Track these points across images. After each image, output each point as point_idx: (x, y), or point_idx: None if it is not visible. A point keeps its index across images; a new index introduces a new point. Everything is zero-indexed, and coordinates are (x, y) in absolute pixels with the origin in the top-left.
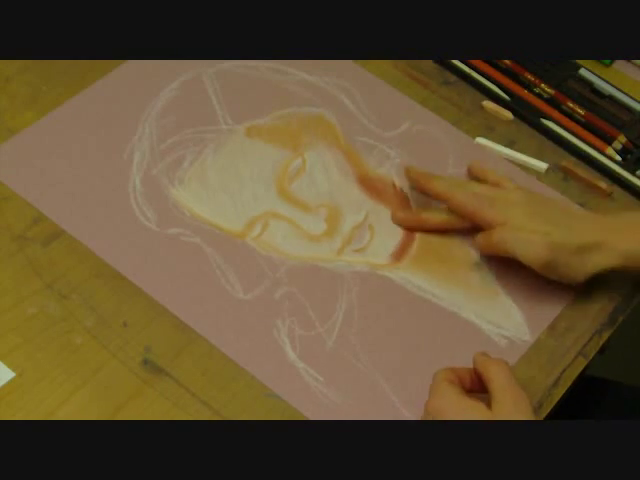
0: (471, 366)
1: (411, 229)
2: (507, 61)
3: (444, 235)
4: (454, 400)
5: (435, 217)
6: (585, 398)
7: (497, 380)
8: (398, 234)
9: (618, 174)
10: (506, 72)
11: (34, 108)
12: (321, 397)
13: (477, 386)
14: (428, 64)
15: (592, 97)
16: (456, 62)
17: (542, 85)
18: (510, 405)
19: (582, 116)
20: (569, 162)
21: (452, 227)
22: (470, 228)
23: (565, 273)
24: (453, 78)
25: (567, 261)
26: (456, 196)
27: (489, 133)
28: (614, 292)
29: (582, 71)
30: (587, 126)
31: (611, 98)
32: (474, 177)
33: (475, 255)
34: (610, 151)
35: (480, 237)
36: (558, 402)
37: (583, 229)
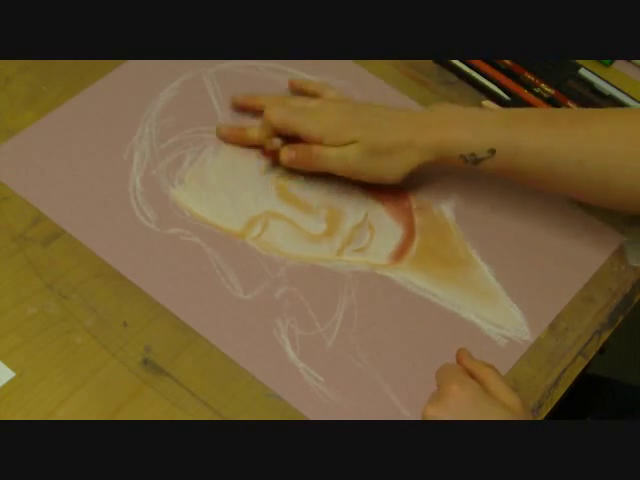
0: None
1: (233, 142)
2: (507, 61)
3: (444, 235)
4: (480, 394)
5: (255, 132)
6: (585, 397)
7: (496, 384)
8: (398, 234)
9: None
10: (506, 72)
11: (34, 108)
12: (321, 397)
13: None
14: (428, 64)
15: (592, 97)
16: (456, 62)
17: (542, 85)
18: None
19: None
20: None
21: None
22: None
23: (376, 175)
24: (453, 78)
25: (376, 163)
26: (275, 112)
27: None
28: (614, 292)
29: (582, 71)
30: None
31: (611, 98)
32: (296, 92)
33: (475, 255)
34: None
35: (295, 151)
36: (558, 402)
37: (393, 129)
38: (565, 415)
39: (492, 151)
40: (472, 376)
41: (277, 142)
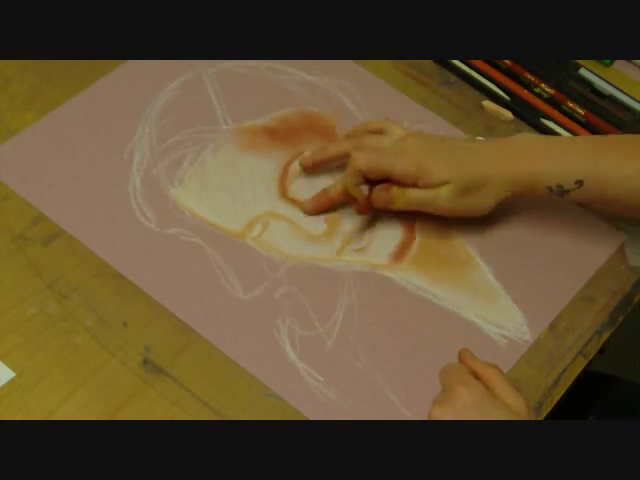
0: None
1: (327, 209)
2: (507, 61)
3: (444, 235)
4: (487, 397)
5: (338, 187)
6: (587, 395)
7: (501, 386)
8: (398, 234)
9: None
10: (506, 72)
11: (34, 108)
12: (321, 397)
13: None
14: (428, 64)
15: (592, 97)
16: (456, 62)
17: (542, 85)
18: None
19: (582, 116)
20: None
21: (356, 193)
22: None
23: (466, 211)
24: (453, 78)
25: (467, 200)
26: (363, 157)
27: (489, 133)
28: (614, 292)
29: (582, 71)
30: (587, 126)
31: (611, 98)
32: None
33: (475, 255)
34: None
35: (389, 193)
36: (558, 402)
37: (482, 163)
38: (567, 413)
39: (579, 182)
40: (477, 377)
41: (365, 191)
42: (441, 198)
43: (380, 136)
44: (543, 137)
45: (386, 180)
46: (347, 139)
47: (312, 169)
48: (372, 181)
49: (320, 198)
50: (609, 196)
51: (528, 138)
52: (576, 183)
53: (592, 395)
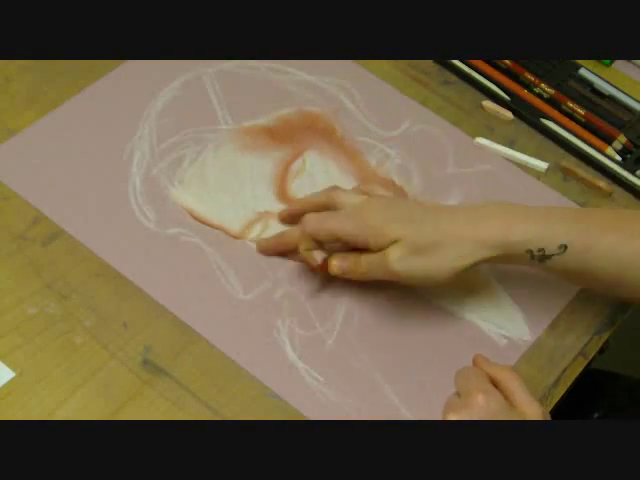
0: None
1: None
2: (507, 61)
3: None
4: (506, 408)
5: (294, 234)
6: (591, 392)
7: (519, 392)
8: None
9: (618, 174)
10: (506, 72)
11: (34, 108)
12: (321, 397)
13: None
14: (428, 64)
15: (592, 97)
16: (456, 62)
17: (542, 85)
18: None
19: (582, 116)
20: (569, 162)
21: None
22: None
23: (424, 275)
24: (453, 78)
25: (422, 263)
26: (308, 220)
27: (489, 133)
28: None
29: (582, 71)
30: (587, 126)
31: (611, 98)
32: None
33: None
34: (610, 151)
35: (346, 261)
36: (558, 402)
37: (439, 222)
38: (569, 412)
39: (563, 247)
40: (494, 382)
41: (319, 256)
42: (390, 259)
43: (354, 194)
44: (519, 204)
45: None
46: (323, 192)
47: (288, 220)
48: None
49: (277, 240)
50: (592, 266)
51: (502, 203)
52: (559, 247)
53: (595, 393)
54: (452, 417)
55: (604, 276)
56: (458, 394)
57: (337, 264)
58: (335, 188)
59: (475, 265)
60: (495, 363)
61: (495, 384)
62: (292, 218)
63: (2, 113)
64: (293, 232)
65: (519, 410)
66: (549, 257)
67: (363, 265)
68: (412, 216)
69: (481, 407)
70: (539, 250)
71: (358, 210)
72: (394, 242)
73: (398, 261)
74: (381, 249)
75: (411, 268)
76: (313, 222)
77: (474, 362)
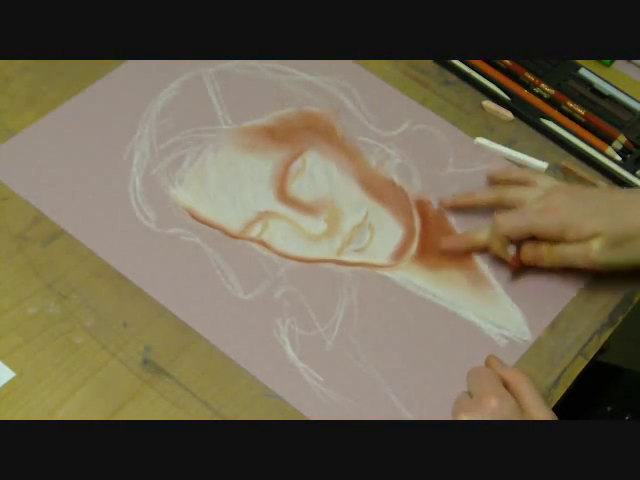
0: (471, 366)
1: (462, 251)
2: (507, 61)
3: (444, 235)
4: (517, 414)
5: (483, 236)
6: (600, 384)
7: (530, 395)
8: (398, 234)
9: (618, 174)
10: (506, 72)
11: (34, 108)
12: (321, 397)
13: None
14: (428, 64)
15: (592, 97)
16: (456, 62)
17: (542, 85)
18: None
19: (582, 116)
20: (569, 162)
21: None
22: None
23: (626, 263)
24: (453, 78)
25: (623, 252)
26: (505, 222)
27: (489, 133)
28: (614, 292)
29: (582, 71)
30: (587, 126)
31: (611, 98)
32: (496, 181)
33: (475, 255)
34: (610, 151)
35: (538, 251)
36: (564, 398)
37: (635, 214)
38: (570, 411)
39: None
40: (505, 383)
41: (512, 250)
42: (593, 251)
43: (524, 189)
44: None
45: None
46: (492, 188)
47: (451, 209)
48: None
49: (464, 238)
50: None
51: None
52: None
53: (606, 386)
54: (463, 417)
55: None
56: (470, 394)
57: (531, 252)
58: (502, 184)
59: None
60: (508, 366)
61: (506, 385)
62: (454, 209)
63: (2, 113)
64: (481, 234)
65: (528, 413)
66: None
67: (558, 254)
68: (603, 208)
69: (494, 410)
70: None
71: (548, 206)
72: (594, 236)
73: (601, 253)
74: (578, 241)
75: (613, 259)
76: (507, 223)
77: (487, 363)
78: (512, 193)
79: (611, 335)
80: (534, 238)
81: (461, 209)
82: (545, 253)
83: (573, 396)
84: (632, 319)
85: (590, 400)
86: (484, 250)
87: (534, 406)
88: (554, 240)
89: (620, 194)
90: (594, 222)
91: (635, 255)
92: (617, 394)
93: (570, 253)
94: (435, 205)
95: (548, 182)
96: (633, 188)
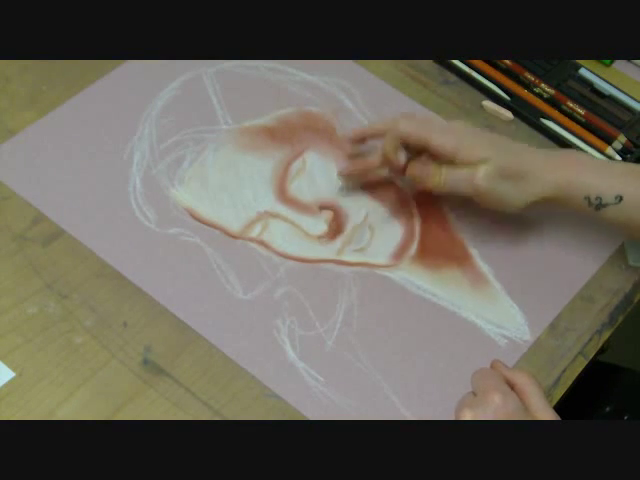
0: (471, 366)
1: (360, 174)
2: (507, 61)
3: (444, 235)
4: (520, 411)
5: (375, 156)
6: (598, 384)
7: (535, 397)
8: (398, 234)
9: None
10: (506, 72)
11: (34, 108)
12: (321, 397)
13: None
14: (428, 64)
15: (592, 97)
16: (456, 62)
17: (542, 85)
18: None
19: (582, 116)
20: None
21: (393, 163)
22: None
23: (499, 199)
24: (453, 78)
25: (503, 187)
26: (405, 123)
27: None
28: (614, 292)
29: (582, 71)
30: (587, 126)
31: (611, 98)
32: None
33: (475, 255)
34: (610, 151)
35: (426, 167)
36: (565, 397)
37: (525, 155)
38: (581, 405)
39: (619, 198)
40: (510, 385)
41: (402, 156)
42: (478, 177)
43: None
44: (589, 154)
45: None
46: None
47: (360, 142)
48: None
49: (356, 163)
50: None
51: (575, 152)
52: (616, 198)
53: (604, 386)
54: (467, 414)
55: None
56: (474, 392)
57: (418, 167)
58: (398, 118)
59: (541, 201)
60: (513, 368)
61: (511, 387)
62: (357, 142)
63: (2, 113)
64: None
65: (532, 414)
66: (605, 206)
67: (443, 174)
68: (500, 142)
69: (497, 406)
70: (596, 198)
71: (449, 127)
72: (483, 161)
73: (485, 178)
74: (466, 165)
75: (494, 188)
76: (408, 125)
77: (492, 366)
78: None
79: (611, 335)
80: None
81: (369, 138)
82: (432, 170)
83: (573, 396)
84: (632, 319)
85: (589, 400)
86: (376, 168)
87: (539, 408)
88: (444, 161)
89: (519, 142)
90: (487, 149)
91: (515, 194)
92: (616, 394)
93: (456, 176)
94: (435, 205)
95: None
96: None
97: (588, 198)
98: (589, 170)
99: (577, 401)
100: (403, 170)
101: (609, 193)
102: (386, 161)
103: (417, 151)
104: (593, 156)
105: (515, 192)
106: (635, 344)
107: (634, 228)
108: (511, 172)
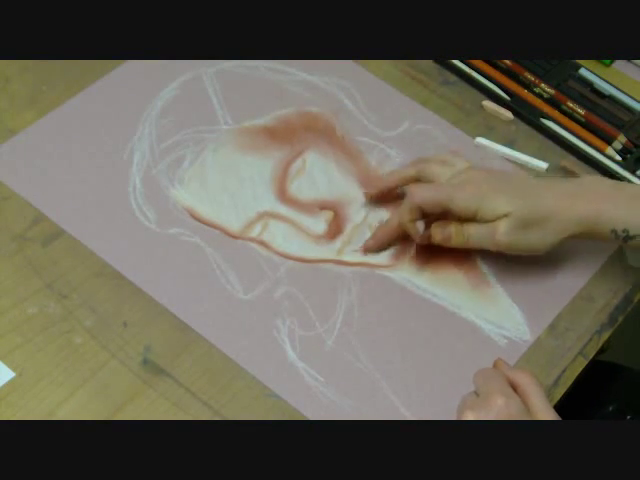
0: (471, 366)
1: (388, 242)
2: (507, 61)
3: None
4: (523, 414)
5: (395, 220)
6: (596, 384)
7: (537, 398)
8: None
9: (618, 174)
10: (506, 72)
11: (34, 108)
12: (321, 397)
13: None
14: (428, 64)
15: (592, 97)
16: (456, 62)
17: (542, 85)
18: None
19: (582, 116)
20: (569, 162)
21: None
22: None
23: (526, 247)
24: (453, 78)
25: (527, 235)
26: (420, 191)
27: (489, 133)
28: (614, 292)
29: (582, 71)
30: (587, 126)
31: (611, 98)
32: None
33: (475, 255)
34: (610, 151)
35: (449, 231)
36: (558, 402)
37: (546, 198)
38: (583, 404)
39: None
40: (512, 385)
41: (421, 226)
42: (499, 232)
43: (442, 167)
44: (611, 181)
45: (444, 217)
46: (412, 165)
47: (377, 198)
48: (430, 217)
49: (379, 233)
50: None
51: (596, 180)
52: None
53: (607, 385)
54: (469, 416)
55: None
56: (476, 393)
57: (440, 231)
58: (422, 161)
59: (568, 238)
60: (515, 367)
61: (513, 387)
62: (381, 197)
63: (2, 113)
64: (393, 220)
65: (534, 415)
66: (633, 238)
67: (465, 234)
68: (518, 190)
69: (500, 409)
70: (623, 230)
71: (465, 182)
72: (504, 216)
73: (507, 234)
74: (487, 221)
75: (518, 241)
76: (422, 193)
77: (495, 366)
78: (432, 168)
79: (611, 335)
80: (442, 217)
81: (386, 195)
82: (453, 232)
83: (574, 396)
84: (632, 319)
85: (591, 400)
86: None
87: (542, 409)
88: (465, 218)
89: (536, 179)
90: (506, 204)
91: (539, 239)
92: (618, 394)
93: (478, 232)
94: None
95: (463, 162)
96: (554, 178)
97: (615, 231)
98: (612, 203)
99: (578, 401)
100: (422, 238)
101: (636, 224)
102: (404, 231)
103: (436, 216)
104: (616, 182)
105: (539, 237)
106: (635, 344)
107: None
108: (533, 221)
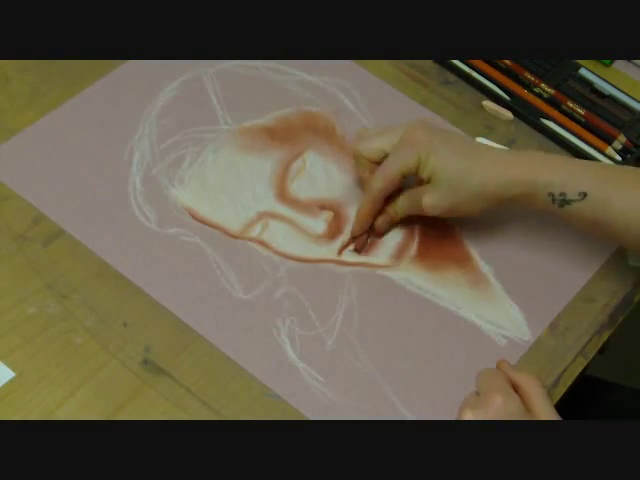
0: (471, 366)
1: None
2: (507, 61)
3: (444, 235)
4: (522, 413)
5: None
6: (584, 399)
7: (538, 399)
8: (398, 234)
9: None
10: (506, 72)
11: (34, 108)
12: (321, 397)
13: None
14: (428, 64)
15: (592, 97)
16: (456, 62)
17: (542, 85)
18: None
19: (582, 116)
20: None
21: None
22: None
23: (457, 209)
24: (453, 78)
25: (459, 199)
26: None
27: (489, 133)
28: (614, 292)
29: (582, 71)
30: (587, 126)
31: (611, 98)
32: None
33: (475, 255)
34: (610, 151)
35: (388, 214)
36: (558, 402)
37: (476, 162)
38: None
39: (583, 195)
40: (515, 387)
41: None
42: (426, 195)
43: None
44: (549, 153)
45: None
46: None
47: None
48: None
49: (359, 215)
50: (607, 218)
51: (533, 149)
52: (579, 194)
53: (591, 398)
54: (468, 414)
55: (617, 226)
56: (477, 393)
57: (384, 220)
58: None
59: (501, 202)
60: (518, 370)
61: (516, 389)
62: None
63: (2, 113)
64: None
65: (536, 417)
66: (569, 202)
67: (401, 206)
68: (455, 150)
69: (498, 408)
70: (560, 194)
71: (404, 141)
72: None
73: (432, 198)
74: (425, 179)
75: (445, 201)
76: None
77: (498, 366)
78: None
79: (611, 335)
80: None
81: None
82: (392, 213)
83: (573, 396)
84: (632, 319)
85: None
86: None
87: (543, 411)
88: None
89: (475, 142)
90: (442, 159)
91: (466, 203)
92: (597, 408)
93: (405, 199)
94: None
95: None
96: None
97: (552, 195)
98: (549, 167)
99: (578, 401)
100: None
101: (573, 190)
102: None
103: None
104: (547, 154)
105: (471, 200)
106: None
107: (599, 227)
108: (464, 181)
